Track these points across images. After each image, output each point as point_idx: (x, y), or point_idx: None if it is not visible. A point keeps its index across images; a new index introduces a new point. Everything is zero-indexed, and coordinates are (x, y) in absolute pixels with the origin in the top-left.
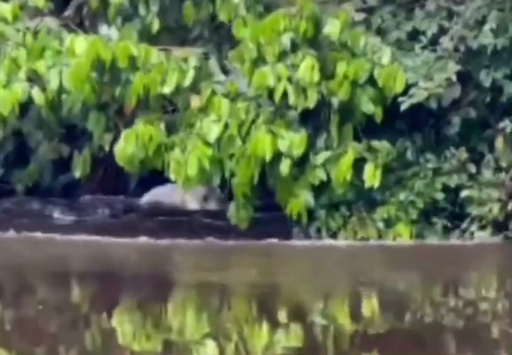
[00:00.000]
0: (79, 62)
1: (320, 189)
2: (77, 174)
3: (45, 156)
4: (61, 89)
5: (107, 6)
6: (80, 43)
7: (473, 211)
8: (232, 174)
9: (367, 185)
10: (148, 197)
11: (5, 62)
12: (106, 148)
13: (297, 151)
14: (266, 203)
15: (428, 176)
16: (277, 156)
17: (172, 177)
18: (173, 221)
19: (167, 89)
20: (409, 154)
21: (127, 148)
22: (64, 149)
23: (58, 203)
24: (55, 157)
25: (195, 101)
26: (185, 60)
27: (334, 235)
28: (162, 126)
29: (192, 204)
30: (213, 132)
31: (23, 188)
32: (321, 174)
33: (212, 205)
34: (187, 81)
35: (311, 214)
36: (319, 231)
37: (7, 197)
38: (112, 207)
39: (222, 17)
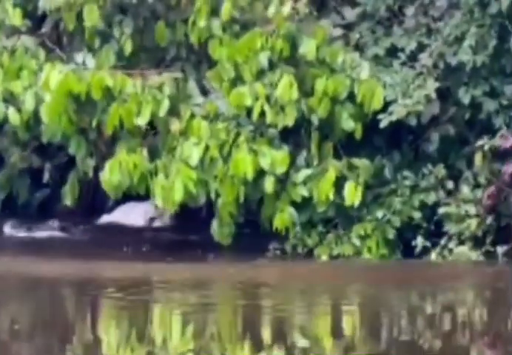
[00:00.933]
0: (54, 96)
1: (299, 206)
2: (68, 202)
3: (15, 166)
4: (36, 111)
5: (83, 27)
6: (54, 77)
7: (452, 227)
8: (217, 195)
9: (347, 203)
10: (106, 217)
11: None
12: (90, 174)
13: (280, 169)
14: (246, 219)
15: (405, 194)
16: (260, 174)
17: (158, 202)
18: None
19: (142, 121)
20: (387, 172)
21: (112, 177)
22: (35, 160)
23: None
24: (25, 166)
25: (175, 125)
26: (160, 88)
27: (309, 252)
28: (144, 152)
29: (140, 222)
30: (195, 154)
31: None
32: (303, 192)
33: (159, 223)
34: (162, 112)
35: (287, 230)
36: (294, 247)
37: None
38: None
39: (193, 39)
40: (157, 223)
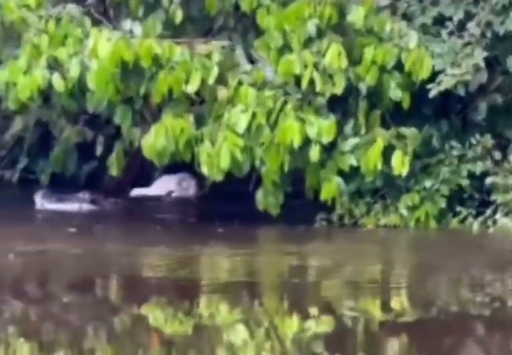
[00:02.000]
0: (102, 64)
1: (346, 176)
2: (114, 173)
3: (69, 140)
4: (82, 80)
5: None
6: (103, 44)
7: (498, 198)
8: (262, 162)
9: (395, 173)
10: (140, 190)
11: (26, 48)
12: (136, 143)
13: (327, 138)
14: (294, 189)
15: (453, 163)
16: (306, 143)
17: (204, 169)
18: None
19: (191, 88)
20: (435, 141)
21: (157, 142)
22: (87, 133)
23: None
24: (80, 140)
25: (222, 92)
26: (208, 56)
27: (356, 222)
28: (191, 118)
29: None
30: (242, 121)
31: (47, 177)
32: (351, 161)
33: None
34: (211, 79)
35: (333, 200)
36: (341, 218)
37: (31, 186)
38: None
39: (244, 7)
40: (191, 194)
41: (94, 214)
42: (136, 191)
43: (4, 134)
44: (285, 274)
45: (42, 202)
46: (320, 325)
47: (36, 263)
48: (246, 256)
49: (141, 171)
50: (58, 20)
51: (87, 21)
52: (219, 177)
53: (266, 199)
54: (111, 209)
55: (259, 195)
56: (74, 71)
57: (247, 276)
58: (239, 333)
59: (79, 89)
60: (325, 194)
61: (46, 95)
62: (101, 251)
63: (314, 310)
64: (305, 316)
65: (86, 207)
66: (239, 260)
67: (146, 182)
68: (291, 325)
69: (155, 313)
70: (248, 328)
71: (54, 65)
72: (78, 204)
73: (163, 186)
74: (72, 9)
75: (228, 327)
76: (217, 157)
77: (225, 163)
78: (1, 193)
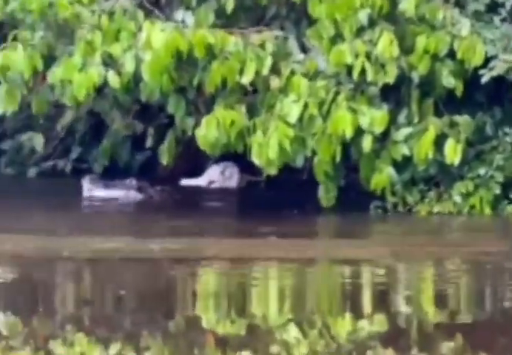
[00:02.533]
0: (156, 55)
1: (400, 165)
2: (164, 161)
3: (119, 132)
4: (136, 73)
5: None
6: (156, 35)
7: None
8: (314, 153)
9: (448, 161)
10: (189, 179)
11: (80, 45)
12: (189, 132)
13: (379, 128)
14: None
15: (507, 150)
16: (358, 133)
17: (255, 159)
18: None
19: (246, 79)
20: (488, 128)
21: (209, 133)
22: (137, 126)
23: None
24: (129, 133)
25: (275, 82)
26: (262, 46)
27: (410, 210)
28: (243, 109)
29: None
30: (293, 112)
31: (100, 167)
32: (404, 150)
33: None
34: (265, 70)
35: (384, 190)
36: (395, 206)
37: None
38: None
39: None
40: (233, 184)
41: (139, 203)
42: (185, 181)
43: (57, 124)
44: None
45: (90, 187)
46: None
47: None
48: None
49: (195, 160)
50: (111, 14)
51: (140, 14)
52: (273, 170)
53: (326, 193)
54: (157, 198)
55: (320, 190)
56: (129, 66)
57: None
58: None
59: (134, 83)
60: (376, 184)
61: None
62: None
63: None
64: None
65: (132, 195)
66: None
67: (200, 171)
68: None
69: None
70: None
71: (108, 61)
72: (124, 191)
73: (208, 175)
74: (125, 2)
75: None
76: (267, 148)
77: (273, 153)
78: (54, 183)
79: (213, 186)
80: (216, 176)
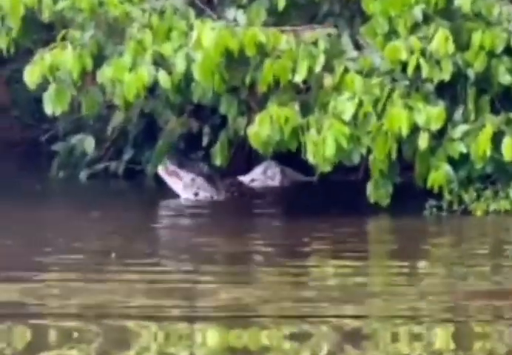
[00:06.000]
0: (207, 54)
1: (456, 163)
2: (218, 162)
3: (174, 132)
4: (187, 73)
5: None
6: (207, 34)
7: None
8: (369, 151)
9: (506, 158)
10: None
11: (131, 45)
12: (241, 132)
13: (435, 125)
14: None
15: None
16: (414, 130)
17: (310, 158)
18: None
19: (298, 77)
20: None
21: (262, 131)
22: (193, 124)
23: None
24: (185, 131)
25: (328, 80)
26: (315, 43)
27: (465, 209)
28: (297, 106)
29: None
30: (348, 109)
31: (153, 168)
32: (461, 148)
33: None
34: (318, 67)
35: (441, 188)
36: (451, 204)
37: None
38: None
39: None
40: (276, 183)
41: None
42: (233, 180)
43: (108, 125)
44: None
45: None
46: None
47: None
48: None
49: (247, 160)
50: (162, 13)
51: (191, 13)
52: (327, 168)
53: (376, 190)
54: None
55: (369, 187)
56: (180, 66)
57: None
58: None
59: (185, 82)
60: (432, 182)
61: (150, 86)
62: None
63: None
64: None
65: (199, 182)
66: None
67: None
68: None
69: None
70: None
71: (159, 60)
72: (193, 175)
73: (251, 174)
74: (176, 0)
75: None
76: (322, 146)
77: (330, 151)
78: (107, 185)
79: (254, 184)
80: (258, 174)
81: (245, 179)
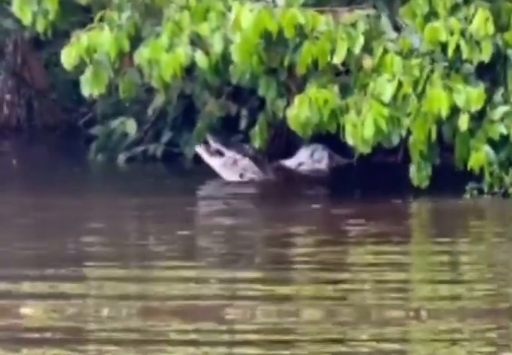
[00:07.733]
0: (245, 36)
1: (496, 145)
2: (257, 145)
3: (212, 114)
4: (225, 54)
5: None
6: (245, 15)
7: None
8: (409, 133)
9: None
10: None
11: (168, 25)
12: (280, 115)
13: (475, 106)
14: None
15: None
16: (454, 112)
17: (349, 140)
18: None
19: (337, 59)
20: None
21: (301, 113)
22: (231, 107)
23: None
24: (223, 114)
25: (367, 61)
26: (353, 25)
27: (506, 191)
28: (336, 88)
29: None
30: (387, 91)
31: (192, 151)
32: (501, 129)
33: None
34: (357, 49)
35: (481, 170)
36: (491, 186)
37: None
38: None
39: None
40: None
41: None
42: (275, 163)
43: (147, 108)
44: None
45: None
46: None
47: None
48: None
49: (287, 143)
50: None
51: None
52: (366, 150)
53: (415, 171)
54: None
55: (412, 169)
56: (217, 46)
57: None
58: None
59: (222, 63)
60: (473, 164)
61: (188, 68)
62: None
63: None
64: None
65: (245, 163)
66: None
67: (291, 154)
68: None
69: None
70: None
71: (196, 41)
72: (238, 155)
73: (297, 157)
74: None
75: None
76: (361, 128)
77: (369, 133)
78: (146, 168)
79: (302, 168)
80: (305, 158)
81: (291, 162)
